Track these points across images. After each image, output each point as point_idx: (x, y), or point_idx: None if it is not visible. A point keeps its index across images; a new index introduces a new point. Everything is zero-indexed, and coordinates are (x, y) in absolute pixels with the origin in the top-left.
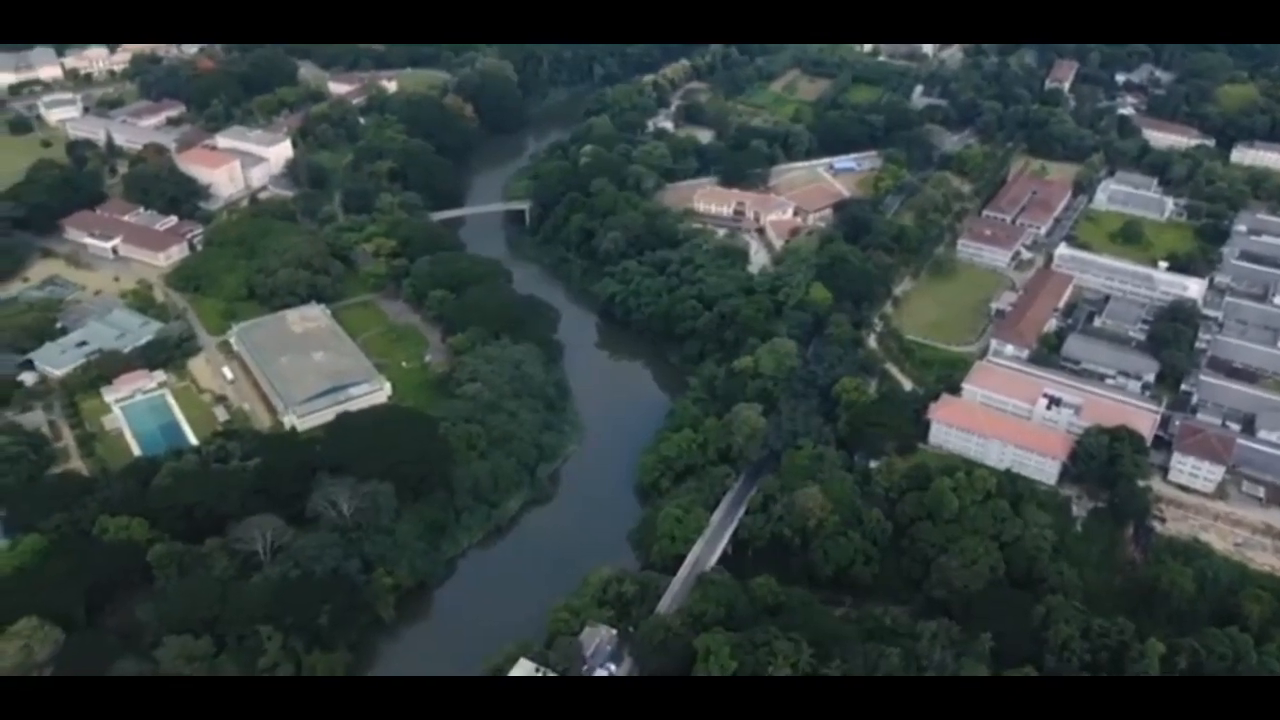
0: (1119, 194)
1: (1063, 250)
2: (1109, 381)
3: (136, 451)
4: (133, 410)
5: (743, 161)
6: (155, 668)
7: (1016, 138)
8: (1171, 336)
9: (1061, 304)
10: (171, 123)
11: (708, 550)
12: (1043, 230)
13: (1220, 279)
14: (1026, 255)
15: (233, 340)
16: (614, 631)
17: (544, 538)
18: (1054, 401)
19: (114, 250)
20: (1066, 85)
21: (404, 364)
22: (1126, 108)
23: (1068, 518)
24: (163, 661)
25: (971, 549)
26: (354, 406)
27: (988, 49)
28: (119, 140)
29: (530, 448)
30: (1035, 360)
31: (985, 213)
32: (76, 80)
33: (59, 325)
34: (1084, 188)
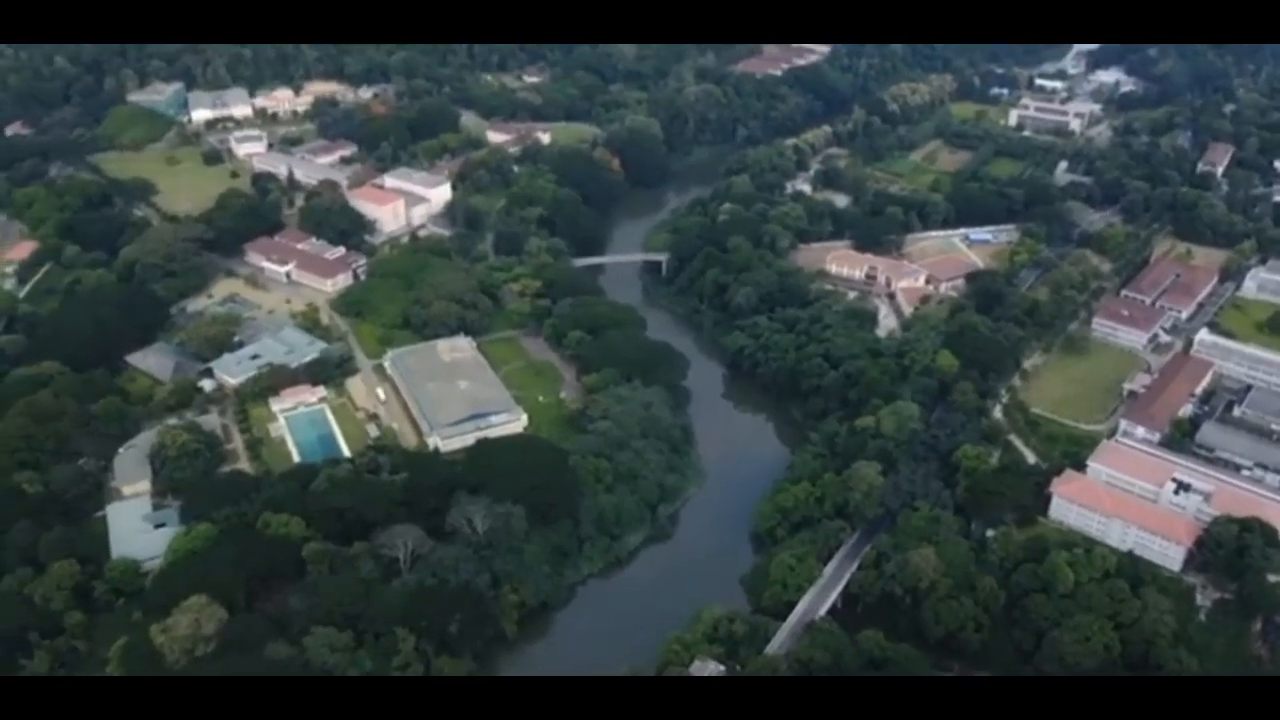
0: (1270, 283)
1: (1204, 336)
2: (1244, 473)
3: (296, 458)
4: (295, 420)
5: (877, 227)
6: (303, 653)
7: (1162, 220)
8: None
9: (1199, 390)
10: (344, 161)
11: (818, 600)
12: (1184, 314)
13: None
14: (1165, 339)
15: (387, 364)
16: (722, 667)
17: (660, 574)
18: (1183, 486)
19: (288, 275)
20: (1220, 169)
21: (540, 398)
22: None
23: (1190, 606)
24: (309, 649)
25: (1086, 626)
26: (493, 433)
27: (1139, 129)
28: (298, 175)
29: (653, 487)
30: (1166, 444)
31: (1124, 293)
32: (264, 119)
33: (236, 339)
34: (1232, 275)
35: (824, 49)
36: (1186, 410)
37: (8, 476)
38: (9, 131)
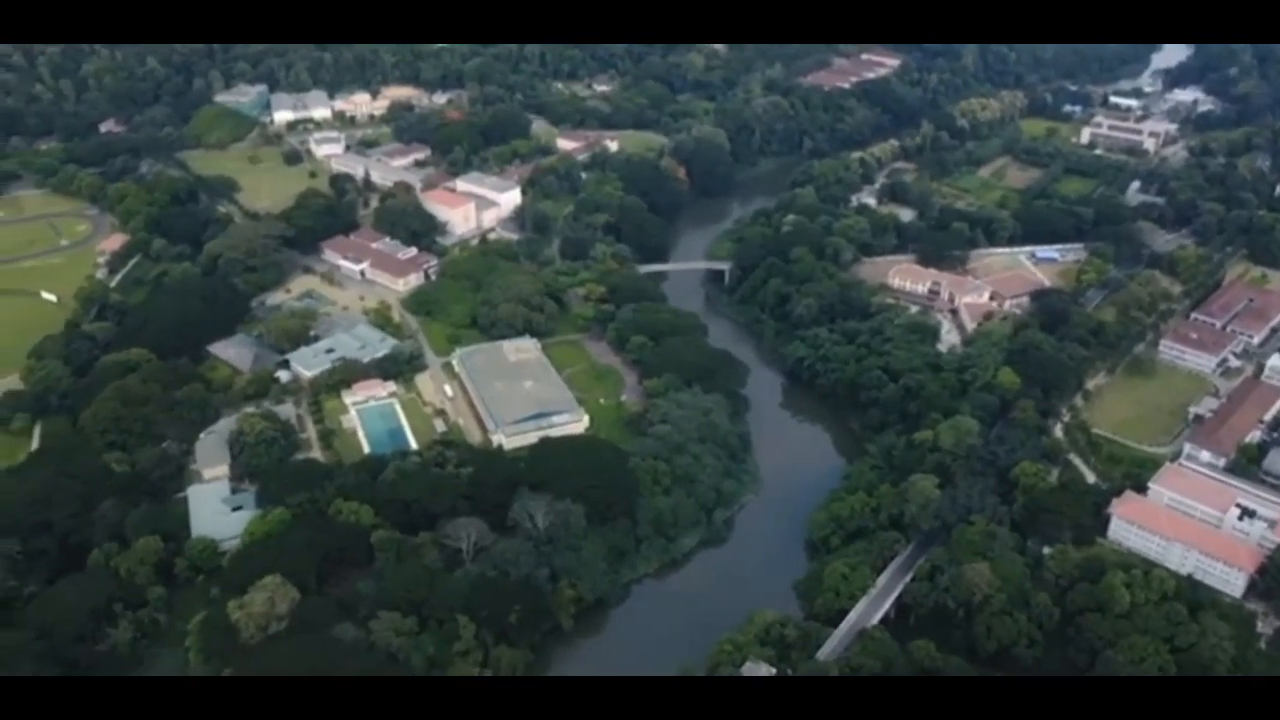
0: None
1: (1276, 361)
2: None
3: (366, 449)
4: (366, 413)
5: (942, 242)
6: (369, 636)
7: (1237, 243)
8: None
9: (1268, 417)
10: (418, 164)
11: (870, 609)
12: (1255, 339)
13: None
14: (1235, 363)
15: (455, 362)
16: (773, 670)
17: (714, 576)
18: (1247, 513)
19: (362, 273)
20: None
21: (601, 400)
22: None
23: (1250, 633)
24: (375, 632)
25: (1141, 647)
26: (555, 433)
27: (1216, 149)
28: (374, 176)
29: (710, 491)
30: (1232, 470)
31: (1194, 316)
32: (342, 121)
33: (312, 333)
34: None
35: (894, 62)
36: (1254, 436)
37: (98, 456)
38: (103, 129)
